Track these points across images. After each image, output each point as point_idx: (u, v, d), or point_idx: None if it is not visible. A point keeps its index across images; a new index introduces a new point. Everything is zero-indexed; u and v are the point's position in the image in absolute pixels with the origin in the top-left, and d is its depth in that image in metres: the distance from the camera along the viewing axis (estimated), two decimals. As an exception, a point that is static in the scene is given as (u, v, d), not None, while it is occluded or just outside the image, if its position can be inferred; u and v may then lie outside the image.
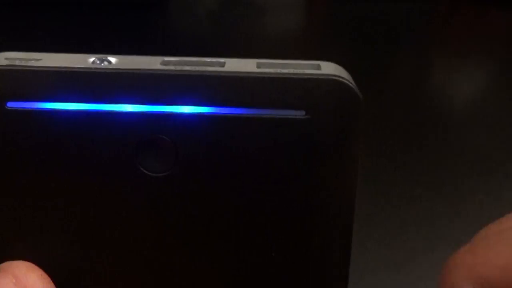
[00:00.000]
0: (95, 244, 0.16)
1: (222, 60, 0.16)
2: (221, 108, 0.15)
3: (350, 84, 0.15)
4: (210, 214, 0.16)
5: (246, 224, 0.16)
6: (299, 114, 0.15)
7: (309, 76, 0.15)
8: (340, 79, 0.15)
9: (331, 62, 0.16)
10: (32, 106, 0.15)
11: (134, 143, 0.15)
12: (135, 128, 0.15)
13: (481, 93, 0.58)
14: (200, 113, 0.15)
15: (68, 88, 0.15)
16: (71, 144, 0.15)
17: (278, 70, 0.15)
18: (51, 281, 0.16)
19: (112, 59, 0.15)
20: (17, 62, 0.15)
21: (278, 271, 0.16)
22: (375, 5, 0.71)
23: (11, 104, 0.15)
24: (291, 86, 0.15)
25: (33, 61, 0.15)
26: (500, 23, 0.70)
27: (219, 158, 0.16)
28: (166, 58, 0.16)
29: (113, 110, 0.15)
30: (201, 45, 0.66)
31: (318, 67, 0.16)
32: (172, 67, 0.15)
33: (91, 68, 0.15)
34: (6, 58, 0.15)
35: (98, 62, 0.15)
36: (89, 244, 0.16)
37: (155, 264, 0.16)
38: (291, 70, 0.15)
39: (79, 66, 0.15)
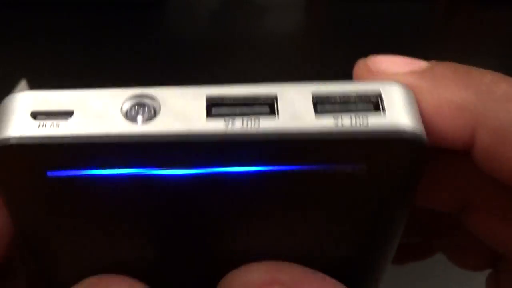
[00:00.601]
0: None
1: (273, 91, 0.13)
2: (276, 166, 0.14)
3: (418, 138, 0.13)
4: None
5: None
6: (359, 167, 0.14)
7: (374, 135, 0.13)
8: (409, 135, 0.13)
9: (393, 84, 0.14)
10: (73, 174, 0.14)
11: (186, 205, 0.15)
12: (187, 191, 0.14)
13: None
14: (254, 171, 0.14)
15: (109, 157, 0.13)
16: (119, 207, 0.15)
17: (339, 120, 0.13)
18: None
19: (151, 105, 0.13)
20: (49, 125, 0.13)
21: None
22: (375, 5, 0.71)
23: (51, 173, 0.13)
24: (354, 143, 0.13)
25: (63, 120, 0.13)
26: (500, 23, 0.70)
27: (274, 213, 0.15)
28: (211, 93, 0.13)
29: (160, 174, 0.14)
30: (200, 45, 0.66)
31: (381, 99, 0.13)
32: (221, 125, 0.13)
33: (132, 137, 0.13)
34: (33, 114, 0.13)
35: (136, 108, 0.13)
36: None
37: None
38: (354, 121, 0.13)
39: (118, 127, 0.13)
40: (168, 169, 0.13)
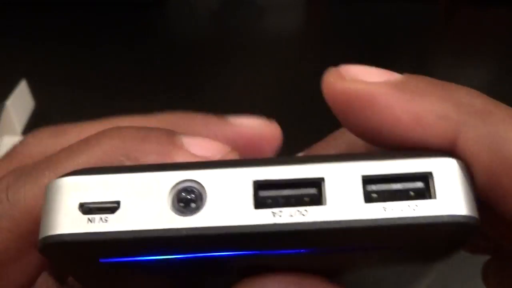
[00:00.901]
0: None
1: (321, 173, 0.13)
2: (320, 249, 0.14)
3: (471, 223, 0.13)
4: None
5: None
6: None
7: (424, 222, 0.13)
8: (461, 220, 0.13)
9: (447, 159, 0.13)
10: (124, 260, 0.14)
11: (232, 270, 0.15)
12: (231, 263, 0.15)
13: (481, 92, 0.58)
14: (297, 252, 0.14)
15: (157, 247, 0.13)
16: (168, 277, 0.16)
17: (388, 208, 0.13)
18: None
19: (198, 192, 0.13)
20: (97, 219, 0.13)
21: None
22: (375, 5, 0.71)
23: (103, 260, 0.14)
24: (403, 230, 0.13)
25: (110, 213, 0.13)
26: (500, 23, 0.70)
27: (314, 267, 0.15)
28: (257, 176, 0.13)
29: (210, 256, 0.14)
30: (200, 45, 0.66)
31: (431, 177, 0.13)
32: (268, 216, 0.13)
33: (179, 232, 0.13)
34: (81, 206, 0.13)
35: (182, 197, 0.13)
36: None
37: None
38: (404, 208, 0.13)
39: (165, 221, 0.13)
40: (215, 254, 0.14)
